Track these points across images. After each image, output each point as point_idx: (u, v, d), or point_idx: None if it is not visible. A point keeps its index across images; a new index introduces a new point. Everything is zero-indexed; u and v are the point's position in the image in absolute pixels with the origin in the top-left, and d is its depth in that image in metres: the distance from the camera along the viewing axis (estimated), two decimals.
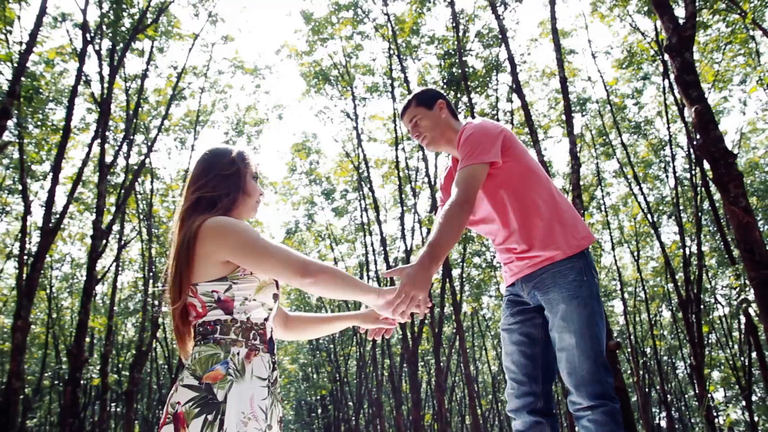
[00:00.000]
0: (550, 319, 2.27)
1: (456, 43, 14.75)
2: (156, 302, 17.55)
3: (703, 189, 14.95)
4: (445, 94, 2.59)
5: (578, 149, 18.61)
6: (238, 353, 1.69)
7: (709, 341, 25.10)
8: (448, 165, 2.66)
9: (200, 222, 1.72)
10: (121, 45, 12.97)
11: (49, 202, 10.39)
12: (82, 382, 15.18)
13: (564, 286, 2.22)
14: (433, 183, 16.84)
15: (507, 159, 2.31)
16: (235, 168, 1.85)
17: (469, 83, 14.71)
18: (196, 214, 1.77)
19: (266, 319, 1.79)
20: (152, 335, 16.68)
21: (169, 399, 1.66)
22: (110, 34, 12.84)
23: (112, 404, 29.10)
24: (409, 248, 18.27)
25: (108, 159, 13.28)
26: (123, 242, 16.90)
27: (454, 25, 14.96)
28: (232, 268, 1.73)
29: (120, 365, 25.93)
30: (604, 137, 18.81)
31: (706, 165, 10.09)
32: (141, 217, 18.25)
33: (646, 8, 14.09)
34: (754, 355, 16.46)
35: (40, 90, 13.38)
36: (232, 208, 1.84)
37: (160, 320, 17.63)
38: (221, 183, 1.82)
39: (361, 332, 2.28)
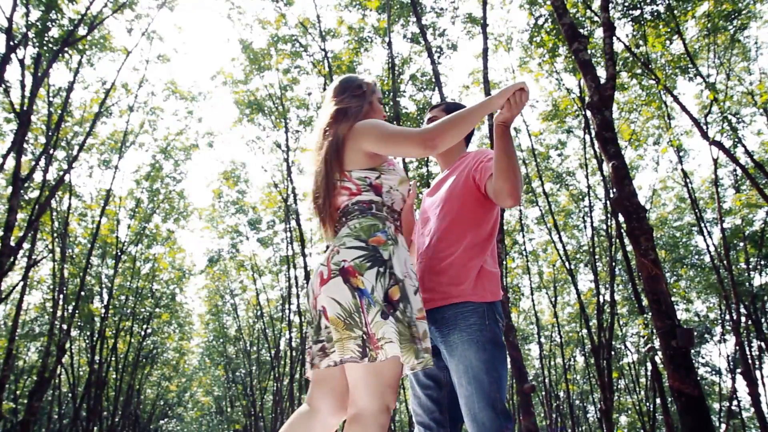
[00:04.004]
0: (448, 361, 2.25)
1: (391, 83, 15.05)
2: (64, 326, 16.62)
3: (617, 240, 15.63)
4: None
5: None
6: (390, 228, 2.10)
7: (618, 387, 25.96)
8: (439, 176, 2.67)
9: (348, 127, 2.17)
10: (48, 56, 12.50)
11: None
12: None
13: (464, 329, 2.20)
14: None
15: (494, 204, 2.37)
16: (362, 90, 2.33)
17: (401, 124, 14.99)
18: (336, 123, 2.21)
19: (401, 210, 2.24)
20: (57, 361, 15.73)
21: (327, 261, 2.01)
22: (37, 44, 12.34)
23: None
24: None
25: (24, 172, 12.64)
26: (33, 261, 15.99)
27: (389, 66, 15.28)
28: (380, 161, 2.18)
29: (18, 392, 24.28)
30: (528, 185, 19.47)
31: (621, 217, 10.61)
32: (55, 235, 17.39)
33: (571, 66, 14.85)
34: (658, 401, 17.15)
35: None
36: (362, 117, 2.25)
37: (67, 345, 16.67)
38: (353, 99, 2.30)
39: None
